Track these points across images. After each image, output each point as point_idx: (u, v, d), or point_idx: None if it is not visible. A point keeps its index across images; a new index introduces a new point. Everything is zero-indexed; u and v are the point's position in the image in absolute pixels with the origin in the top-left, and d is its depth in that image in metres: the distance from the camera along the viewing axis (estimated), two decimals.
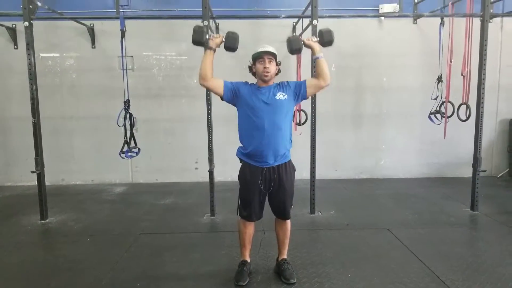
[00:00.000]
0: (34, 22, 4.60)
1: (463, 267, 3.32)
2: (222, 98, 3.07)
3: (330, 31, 3.14)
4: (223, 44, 3.07)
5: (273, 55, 2.98)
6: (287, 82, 3.11)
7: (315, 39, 3.14)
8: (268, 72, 2.97)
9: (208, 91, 3.11)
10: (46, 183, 4.86)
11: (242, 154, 3.09)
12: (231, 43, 3.05)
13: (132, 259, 3.61)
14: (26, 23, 4.46)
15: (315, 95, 4.63)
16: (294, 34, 6.24)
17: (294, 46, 3.08)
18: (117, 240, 4.08)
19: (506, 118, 6.79)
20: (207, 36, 3.07)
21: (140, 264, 3.49)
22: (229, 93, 3.02)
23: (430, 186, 6.22)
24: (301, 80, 3.17)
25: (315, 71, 3.13)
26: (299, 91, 3.07)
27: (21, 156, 6.39)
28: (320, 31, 3.18)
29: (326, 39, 3.14)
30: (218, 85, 3.01)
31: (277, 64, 3.06)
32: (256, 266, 3.38)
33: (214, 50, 3.02)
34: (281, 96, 3.00)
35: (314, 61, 3.12)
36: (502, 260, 3.46)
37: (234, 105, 3.09)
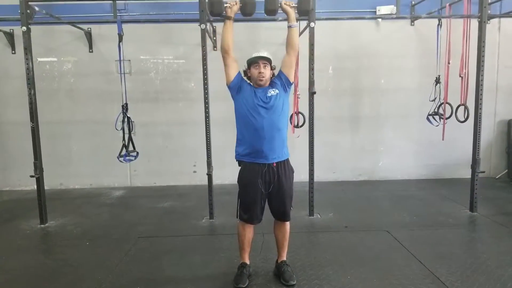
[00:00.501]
0: (32, 27, 4.61)
1: (463, 269, 3.32)
2: (228, 83, 3.11)
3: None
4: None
5: (267, 60, 3.04)
6: (272, 80, 3.15)
7: (292, 4, 3.15)
8: (263, 77, 3.03)
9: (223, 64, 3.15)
10: (45, 187, 4.84)
11: (241, 154, 3.10)
12: (248, 9, 3.10)
13: (131, 262, 3.61)
14: (24, 28, 4.46)
15: (312, 97, 4.63)
16: None
17: (269, 6, 3.10)
18: (116, 244, 4.07)
19: (504, 119, 6.80)
20: (225, 5, 3.07)
21: (139, 268, 3.49)
22: (236, 82, 3.08)
23: (428, 188, 6.22)
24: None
25: (286, 41, 3.14)
26: (281, 80, 3.13)
27: (19, 161, 6.36)
28: None
29: (303, 7, 3.13)
30: (234, 67, 3.09)
31: (272, 68, 3.11)
32: (255, 269, 3.37)
33: (233, 19, 3.07)
34: (272, 92, 3.06)
35: (288, 29, 3.12)
36: (501, 261, 3.45)
37: (232, 95, 3.13)
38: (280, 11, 3.29)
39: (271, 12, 3.14)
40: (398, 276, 3.20)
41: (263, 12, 3.32)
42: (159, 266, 3.51)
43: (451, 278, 3.15)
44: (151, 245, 4.02)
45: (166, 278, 3.29)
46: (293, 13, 3.13)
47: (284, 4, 3.14)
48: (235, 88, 3.09)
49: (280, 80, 3.12)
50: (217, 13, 3.08)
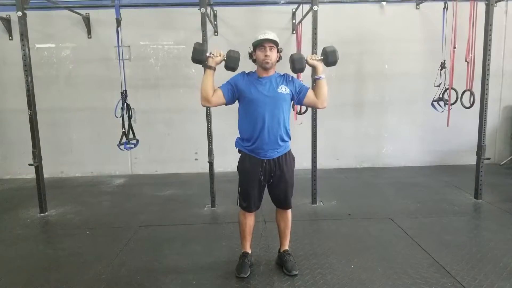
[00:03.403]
0: (28, 12, 4.51)
1: (468, 257, 3.27)
2: (226, 104, 3.00)
3: (335, 50, 3.03)
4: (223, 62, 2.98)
5: (274, 43, 2.89)
6: (292, 78, 3.03)
7: (319, 57, 3.05)
8: (269, 60, 2.89)
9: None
10: (45, 176, 4.81)
11: (242, 145, 3.02)
12: (232, 63, 2.95)
13: (132, 252, 3.57)
14: (20, 13, 4.36)
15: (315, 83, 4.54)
16: (296, 35, 6.11)
17: (297, 66, 3.01)
18: (117, 233, 4.03)
19: (510, 105, 6.70)
20: (207, 54, 2.95)
21: (140, 257, 3.45)
22: (230, 95, 2.96)
23: (432, 174, 6.16)
24: (303, 83, 3.11)
25: (314, 91, 3.04)
26: (299, 94, 3.01)
27: (20, 149, 6.30)
28: (325, 50, 3.06)
29: (330, 59, 3.03)
30: (219, 98, 2.95)
31: (279, 51, 2.97)
32: (257, 258, 3.33)
33: (214, 69, 2.94)
34: (283, 89, 2.93)
35: (315, 81, 3.05)
36: (508, 249, 3.40)
37: (237, 100, 3.02)
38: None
39: (299, 70, 3.05)
40: (403, 265, 3.16)
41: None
42: (160, 255, 3.47)
43: (456, 267, 3.10)
44: (152, 234, 3.99)
45: (167, 268, 3.25)
46: (320, 66, 3.01)
47: (311, 59, 3.02)
48: (233, 98, 2.97)
49: (299, 91, 2.99)
50: (197, 60, 2.96)
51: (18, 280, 3.13)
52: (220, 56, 2.94)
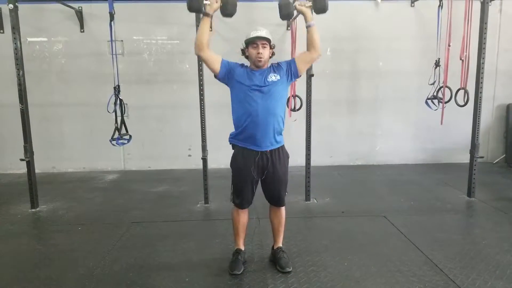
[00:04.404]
0: (20, 5, 4.46)
1: (461, 255, 3.28)
2: (216, 75, 2.96)
3: None
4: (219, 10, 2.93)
5: (267, 40, 2.88)
6: (278, 63, 3.01)
7: (308, 3, 2.99)
8: (261, 58, 2.88)
9: (202, 62, 2.97)
10: (37, 171, 4.75)
11: (235, 138, 3.00)
12: (229, 9, 2.91)
13: (124, 248, 3.53)
14: (11, 6, 4.29)
15: (310, 80, 4.54)
16: (290, 31, 6.07)
17: (285, 11, 2.96)
18: (109, 229, 4.00)
19: (503, 103, 6.73)
20: (204, 2, 2.89)
21: (132, 253, 3.41)
22: (224, 70, 2.92)
23: (426, 172, 6.18)
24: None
25: (307, 41, 2.99)
26: (289, 70, 2.98)
27: (11, 144, 6.22)
28: None
29: (319, 4, 2.97)
30: (215, 59, 2.91)
31: (271, 48, 2.95)
32: (251, 255, 3.31)
33: (211, 16, 2.89)
34: (273, 77, 2.91)
35: (306, 29, 2.98)
36: (500, 247, 3.41)
37: (226, 84, 2.99)
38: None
39: (287, 16, 2.99)
40: (396, 263, 3.15)
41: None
42: (153, 252, 3.43)
43: (449, 265, 3.10)
44: (145, 231, 3.95)
45: (160, 265, 3.22)
46: (309, 13, 2.95)
47: (299, 5, 2.96)
48: (225, 76, 2.93)
49: (288, 67, 2.97)
50: (195, 9, 2.91)
51: (8, 276, 3.08)
52: (217, 2, 2.89)
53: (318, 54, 2.97)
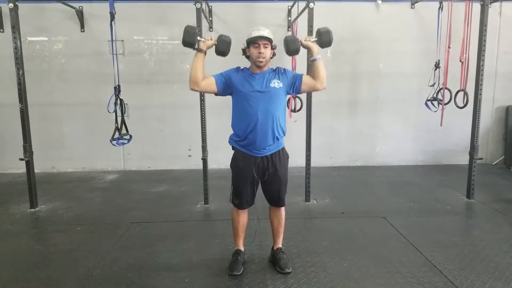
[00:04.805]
0: (20, 4, 4.45)
1: (460, 256, 3.28)
2: (216, 94, 2.97)
3: (329, 31, 3.00)
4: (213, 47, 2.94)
5: (268, 40, 2.86)
6: (284, 69, 3.00)
7: (313, 39, 3.02)
8: (263, 58, 2.86)
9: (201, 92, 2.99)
10: (36, 171, 4.75)
11: (235, 142, 3.00)
12: (223, 48, 2.92)
13: (123, 248, 3.53)
14: (11, 5, 4.29)
15: None
16: (291, 32, 6.07)
17: (291, 47, 2.98)
18: (108, 229, 3.99)
19: (502, 105, 6.74)
20: (199, 38, 2.91)
21: (131, 254, 3.41)
22: (222, 85, 2.92)
23: (425, 174, 6.19)
24: (296, 71, 3.06)
25: (311, 73, 3.00)
26: (294, 84, 2.96)
27: (11, 143, 6.22)
28: (319, 30, 3.03)
29: (324, 39, 3.00)
30: (209, 84, 2.91)
31: (273, 48, 2.94)
32: (250, 256, 3.31)
33: (205, 53, 2.90)
34: (275, 84, 2.89)
35: (311, 62, 3.01)
36: (499, 249, 3.41)
37: (229, 94, 2.98)
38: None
39: (294, 52, 3.02)
40: (396, 264, 3.16)
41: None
42: (152, 253, 3.43)
43: (449, 266, 3.10)
44: (144, 231, 3.95)
45: (159, 265, 3.21)
46: (315, 47, 2.98)
47: (305, 40, 2.98)
48: (225, 89, 2.93)
49: (294, 81, 2.95)
50: (188, 43, 2.91)
51: (7, 276, 3.08)
52: (211, 40, 2.91)
53: (323, 87, 2.97)
